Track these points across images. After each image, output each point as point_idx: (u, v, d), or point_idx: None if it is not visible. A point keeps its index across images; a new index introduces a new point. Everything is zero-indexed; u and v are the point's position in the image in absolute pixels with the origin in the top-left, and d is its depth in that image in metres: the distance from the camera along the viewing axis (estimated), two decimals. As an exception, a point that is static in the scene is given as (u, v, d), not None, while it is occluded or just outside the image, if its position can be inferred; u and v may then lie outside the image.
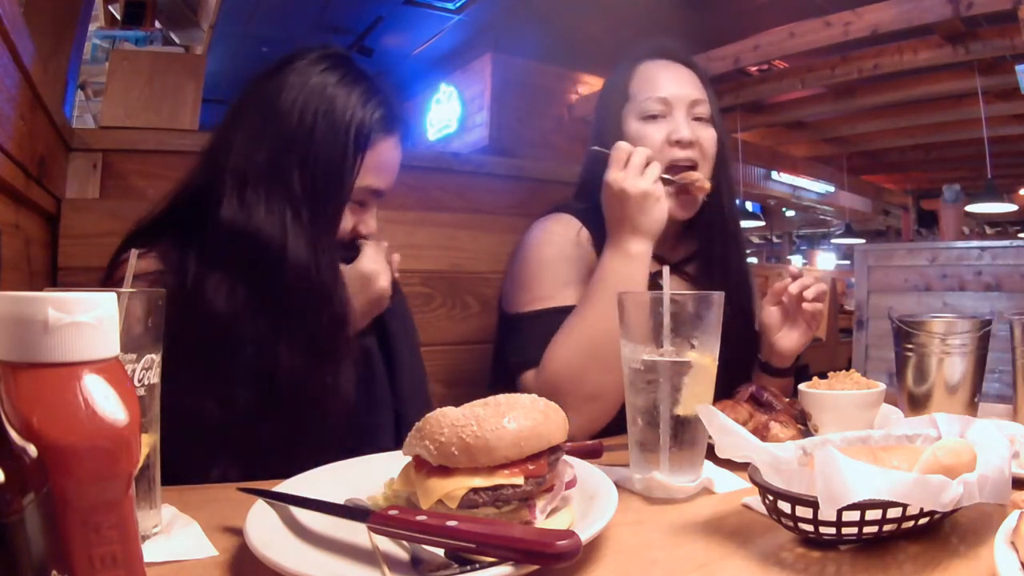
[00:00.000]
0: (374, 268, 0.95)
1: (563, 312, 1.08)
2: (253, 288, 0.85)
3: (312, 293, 0.87)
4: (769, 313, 1.14)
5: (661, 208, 1.04)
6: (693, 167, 1.14)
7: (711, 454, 0.73)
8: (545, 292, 1.14)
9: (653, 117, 1.15)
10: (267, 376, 0.85)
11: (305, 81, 0.90)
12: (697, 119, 1.16)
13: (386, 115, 0.93)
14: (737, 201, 1.40)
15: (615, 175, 1.03)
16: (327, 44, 0.98)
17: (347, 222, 0.94)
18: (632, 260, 1.04)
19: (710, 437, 0.71)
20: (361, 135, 0.90)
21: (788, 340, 1.13)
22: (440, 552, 0.53)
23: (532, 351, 1.08)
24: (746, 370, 1.21)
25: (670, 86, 1.16)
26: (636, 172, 1.02)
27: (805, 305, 1.10)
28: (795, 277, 1.11)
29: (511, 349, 1.14)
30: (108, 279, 0.91)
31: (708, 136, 1.16)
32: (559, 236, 1.18)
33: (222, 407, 0.83)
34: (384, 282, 0.96)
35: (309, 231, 0.87)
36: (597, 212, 1.11)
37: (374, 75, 0.97)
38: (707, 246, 1.23)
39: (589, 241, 1.16)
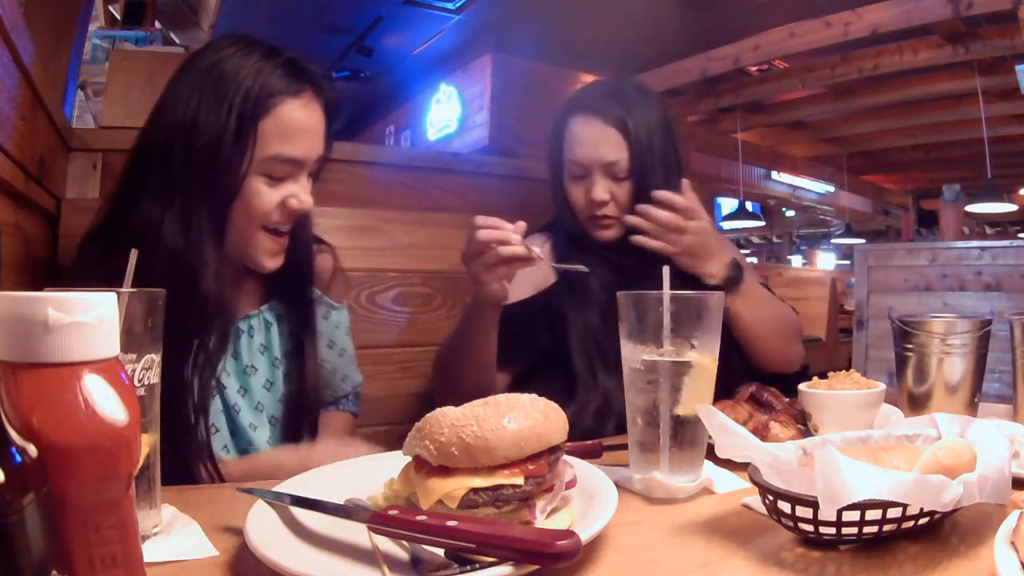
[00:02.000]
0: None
1: None
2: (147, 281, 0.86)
3: (180, 275, 0.85)
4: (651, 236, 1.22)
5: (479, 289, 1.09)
6: (612, 218, 1.27)
7: (711, 454, 0.73)
8: None
9: (576, 177, 1.29)
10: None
11: (198, 65, 0.91)
12: (614, 177, 1.26)
13: (286, 77, 0.90)
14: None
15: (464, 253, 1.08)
16: (237, 30, 0.97)
17: (267, 197, 0.91)
18: (479, 307, 1.12)
19: (710, 437, 0.71)
20: (248, 104, 0.88)
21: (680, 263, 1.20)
22: (440, 552, 0.53)
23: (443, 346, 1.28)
24: (738, 360, 1.25)
25: (587, 150, 1.26)
26: (470, 256, 1.06)
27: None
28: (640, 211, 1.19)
29: None
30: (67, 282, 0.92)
31: (623, 190, 1.26)
32: None
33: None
34: None
35: (187, 214, 0.87)
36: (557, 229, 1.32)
37: (276, 44, 0.94)
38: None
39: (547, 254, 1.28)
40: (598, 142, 1.25)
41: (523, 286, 1.27)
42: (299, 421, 1.03)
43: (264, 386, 1.01)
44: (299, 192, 0.93)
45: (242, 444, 0.99)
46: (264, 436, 1.00)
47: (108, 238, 0.91)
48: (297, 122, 0.91)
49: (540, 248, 1.28)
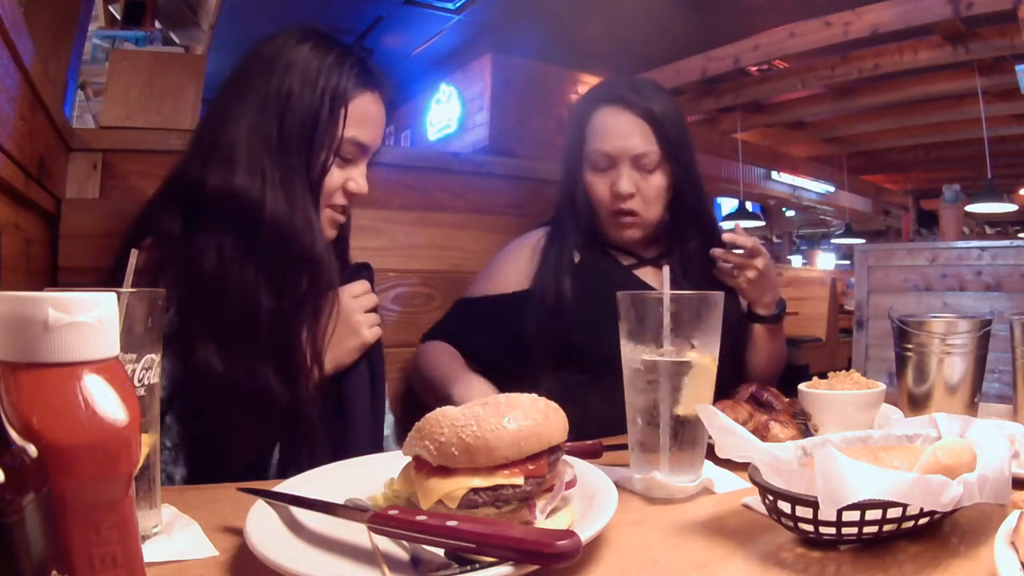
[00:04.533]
0: (357, 319, 1.00)
1: (478, 301, 1.32)
2: (245, 250, 0.90)
3: (290, 244, 0.91)
4: (723, 273, 1.28)
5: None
6: (636, 215, 1.26)
7: (711, 454, 0.73)
8: (477, 288, 1.35)
9: (600, 169, 1.26)
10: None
11: (282, 51, 0.97)
12: (642, 170, 1.25)
13: (361, 72, 0.99)
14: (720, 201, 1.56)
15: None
16: (305, 22, 1.05)
17: (335, 178, 0.98)
18: (445, 397, 1.12)
19: (710, 437, 0.71)
20: (338, 89, 0.96)
21: (746, 295, 1.27)
22: (440, 552, 0.53)
23: (434, 329, 1.34)
24: (734, 365, 1.28)
25: (615, 140, 1.24)
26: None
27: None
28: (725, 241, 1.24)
29: None
30: (112, 279, 0.93)
31: (649, 185, 1.26)
32: (515, 246, 1.36)
33: (285, 381, 0.90)
34: (366, 333, 1.01)
35: (287, 185, 0.93)
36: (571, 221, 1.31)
37: (350, 43, 1.03)
38: (680, 244, 1.33)
39: (539, 247, 1.32)
40: (627, 133, 1.23)
41: (518, 277, 1.29)
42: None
43: None
44: (358, 176, 1.00)
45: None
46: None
47: (184, 204, 0.95)
48: (369, 112, 1.00)
49: (537, 240, 1.32)
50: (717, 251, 1.25)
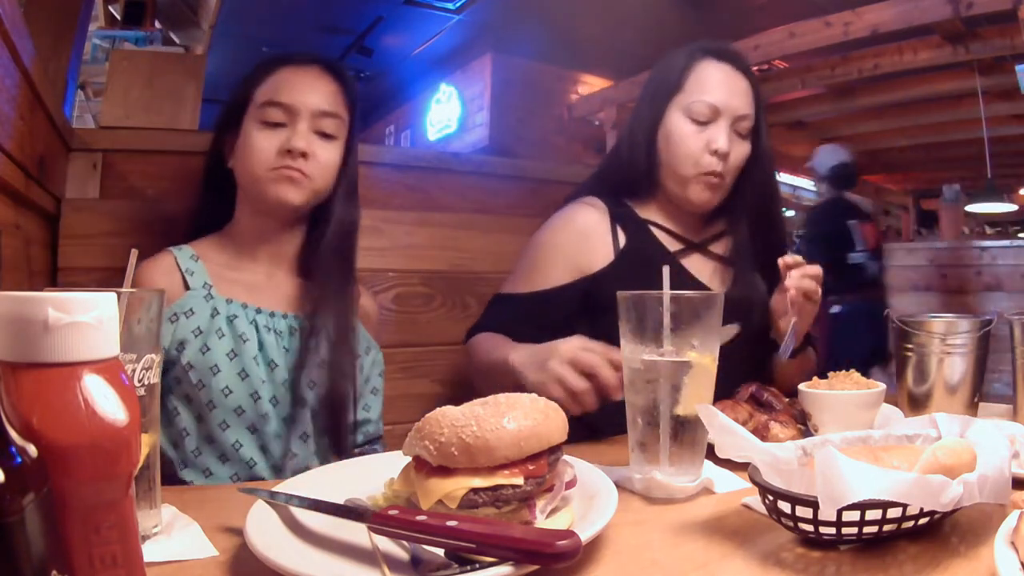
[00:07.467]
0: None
1: (518, 298, 1.21)
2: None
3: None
4: (777, 300, 1.15)
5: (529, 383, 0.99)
6: (720, 176, 1.18)
7: (711, 454, 0.73)
8: (517, 282, 1.24)
9: (698, 121, 1.17)
10: None
11: None
12: (737, 133, 1.18)
13: (290, 54, 1.06)
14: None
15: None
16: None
17: (268, 139, 1.01)
18: (507, 371, 1.03)
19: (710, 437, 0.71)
20: (257, 68, 1.06)
21: (782, 323, 1.13)
22: (440, 552, 0.53)
23: (475, 327, 1.24)
24: (765, 344, 1.20)
25: (723, 94, 1.17)
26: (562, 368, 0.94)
27: (790, 293, 1.10)
28: (789, 266, 1.10)
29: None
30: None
31: (739, 152, 1.19)
32: (568, 226, 1.24)
33: None
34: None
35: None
36: (616, 186, 1.26)
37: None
38: (735, 227, 1.25)
39: (607, 222, 1.22)
40: (735, 91, 1.17)
41: (562, 270, 1.19)
42: (319, 429, 1.06)
43: (283, 383, 1.03)
44: (294, 138, 1.01)
45: (257, 426, 1.01)
46: (273, 428, 1.01)
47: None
48: (291, 79, 1.06)
49: (584, 222, 1.22)
50: (790, 267, 1.10)
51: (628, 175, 1.25)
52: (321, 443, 1.05)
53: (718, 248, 1.27)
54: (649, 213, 1.26)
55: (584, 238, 1.21)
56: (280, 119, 1.01)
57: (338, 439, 1.06)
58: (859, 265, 3.50)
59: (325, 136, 1.04)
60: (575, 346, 0.93)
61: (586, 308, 1.18)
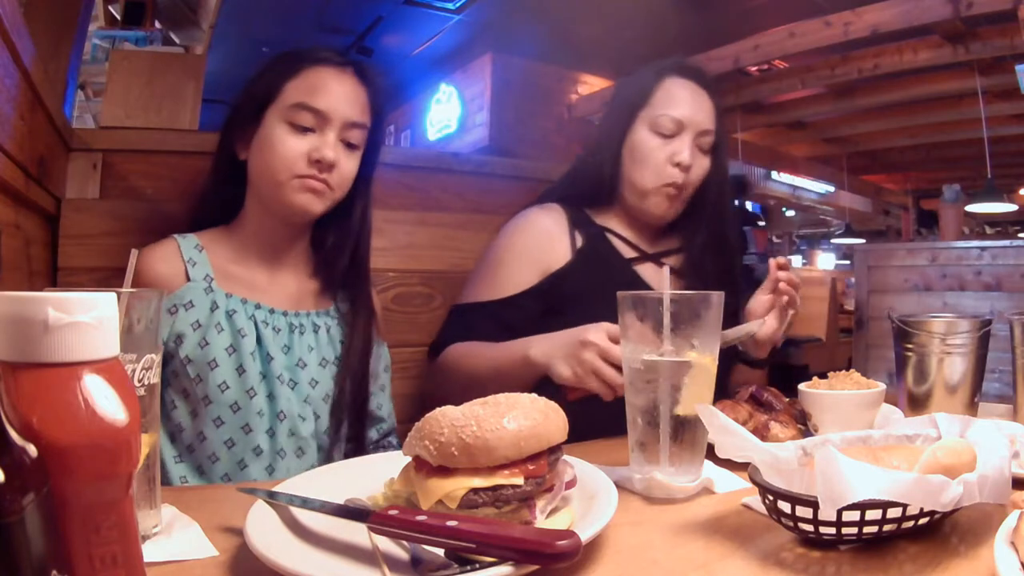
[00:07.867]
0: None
1: (489, 306, 1.21)
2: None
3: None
4: (760, 301, 1.15)
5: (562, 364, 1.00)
6: (681, 188, 1.23)
7: (711, 454, 0.73)
8: (480, 290, 1.25)
9: (663, 134, 1.22)
10: None
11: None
12: (699, 148, 1.23)
13: (322, 51, 1.04)
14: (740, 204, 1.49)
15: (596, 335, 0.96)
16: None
17: (297, 144, 0.99)
18: (527, 365, 1.04)
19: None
20: (287, 61, 1.03)
21: (766, 328, 1.13)
22: (440, 552, 0.53)
23: (439, 338, 1.26)
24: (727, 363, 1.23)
25: (688, 109, 1.22)
26: (602, 342, 0.95)
27: (780, 286, 1.12)
28: (781, 267, 1.13)
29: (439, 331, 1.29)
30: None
31: (700, 166, 1.24)
32: (530, 227, 1.27)
33: None
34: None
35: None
36: (577, 196, 1.29)
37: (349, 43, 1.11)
38: (689, 243, 1.30)
39: (565, 225, 1.26)
40: (699, 107, 1.23)
41: (529, 271, 1.22)
42: (340, 424, 1.07)
43: (310, 383, 1.05)
44: (323, 147, 1.00)
45: (289, 429, 1.02)
46: (309, 428, 1.03)
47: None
48: (324, 82, 1.03)
49: (559, 221, 1.25)
50: (780, 273, 1.12)
51: (591, 186, 1.29)
52: (321, 442, 1.06)
53: (670, 261, 1.29)
54: (607, 221, 1.30)
55: (547, 237, 1.24)
56: (310, 124, 0.99)
57: (358, 435, 1.09)
58: (749, 267, 3.61)
59: (350, 146, 1.03)
60: (603, 336, 0.94)
61: (549, 308, 1.21)
